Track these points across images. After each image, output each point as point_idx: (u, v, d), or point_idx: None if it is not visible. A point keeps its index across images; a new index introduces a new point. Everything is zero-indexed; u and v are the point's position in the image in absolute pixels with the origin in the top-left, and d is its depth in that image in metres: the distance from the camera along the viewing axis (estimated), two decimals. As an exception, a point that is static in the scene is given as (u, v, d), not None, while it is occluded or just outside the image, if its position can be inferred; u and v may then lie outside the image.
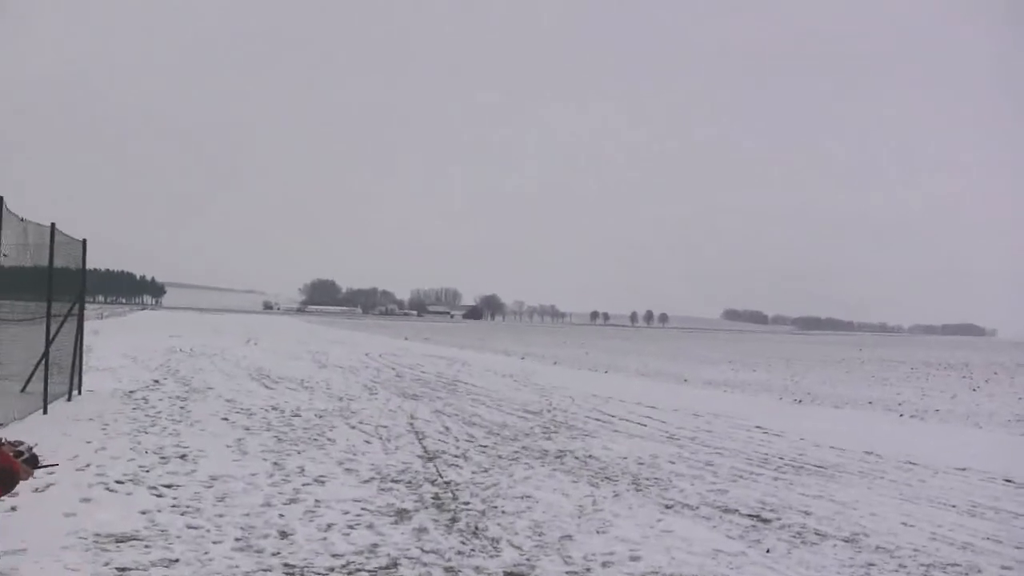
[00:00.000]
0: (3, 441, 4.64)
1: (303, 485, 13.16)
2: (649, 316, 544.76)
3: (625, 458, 16.97)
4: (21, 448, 4.55)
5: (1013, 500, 14.27)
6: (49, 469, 10.18)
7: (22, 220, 17.52)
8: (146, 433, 17.36)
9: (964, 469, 17.10)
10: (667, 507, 12.78)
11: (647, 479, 14.88)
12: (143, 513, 10.92)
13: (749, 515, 12.44)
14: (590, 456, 17.07)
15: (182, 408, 21.43)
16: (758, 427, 22.56)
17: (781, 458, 17.82)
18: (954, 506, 13.63)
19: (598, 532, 11.08)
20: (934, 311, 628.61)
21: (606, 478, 14.84)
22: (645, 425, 22.14)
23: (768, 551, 10.46)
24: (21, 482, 4.35)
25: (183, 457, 14.93)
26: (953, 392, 38.83)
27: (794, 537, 11.23)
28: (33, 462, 4.49)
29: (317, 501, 12.12)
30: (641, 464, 16.36)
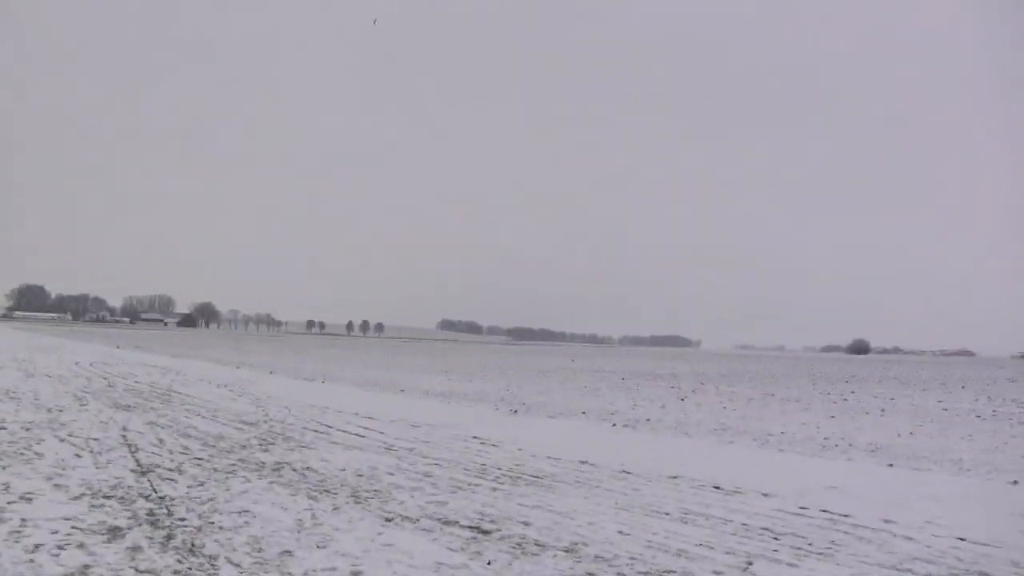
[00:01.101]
0: None
1: (8, 503, 12.63)
2: (365, 326, 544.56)
3: (344, 470, 16.88)
4: None
5: (722, 506, 14.74)
6: None
7: None
8: None
9: (676, 477, 17.59)
10: (388, 520, 12.75)
11: (367, 491, 14.83)
12: None
13: (469, 526, 12.51)
14: (308, 468, 16.92)
15: None
16: (475, 437, 22.74)
17: (499, 468, 17.99)
18: (667, 514, 13.99)
19: (319, 547, 10.96)
20: (643, 323, 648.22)
21: (325, 491, 14.73)
22: (363, 436, 22.09)
23: (489, 563, 10.53)
24: None
25: None
26: (663, 402, 39.94)
27: (515, 548, 11.33)
28: None
29: (23, 520, 11.65)
30: (360, 476, 16.31)
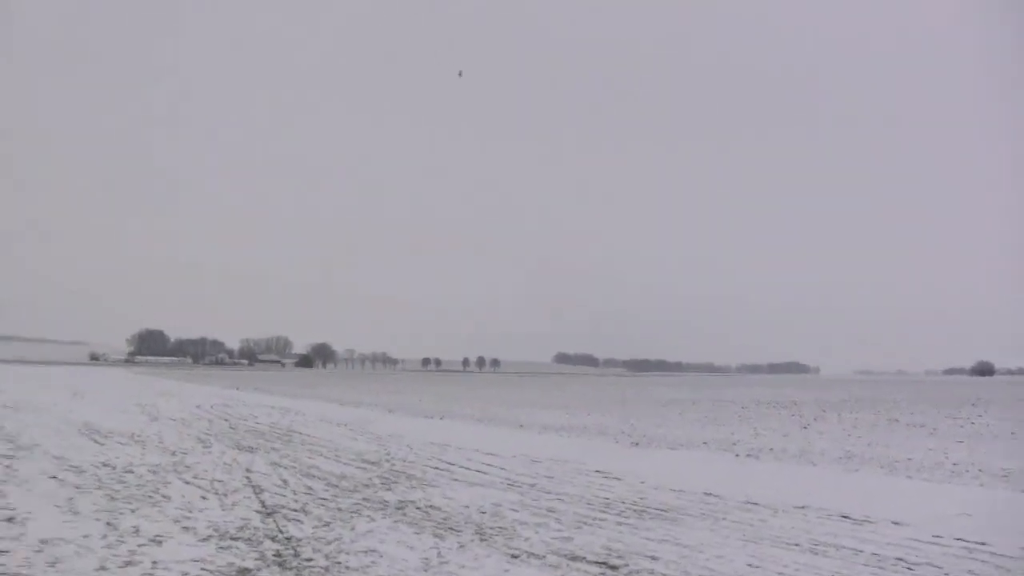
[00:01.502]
0: None
1: (139, 546, 12.78)
2: (481, 361, 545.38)
3: (467, 507, 16.83)
4: None
5: (851, 536, 14.45)
6: None
7: None
8: (-31, 496, 16.73)
9: (803, 507, 17.30)
10: (513, 556, 12.67)
11: (491, 528, 14.76)
12: (-30, 582, 10.48)
13: (596, 562, 12.39)
14: (432, 506, 16.89)
15: (7, 467, 20.74)
16: (598, 471, 22.56)
17: (623, 502, 17.83)
18: (797, 545, 13.74)
19: (446, 585, 10.90)
20: (759, 350, 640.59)
21: (450, 528, 14.69)
22: (485, 473, 22.02)
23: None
24: None
25: (10, 520, 14.42)
26: (785, 431, 39.37)
27: (643, 584, 11.18)
28: None
29: (154, 563, 11.78)
30: (484, 513, 16.24)
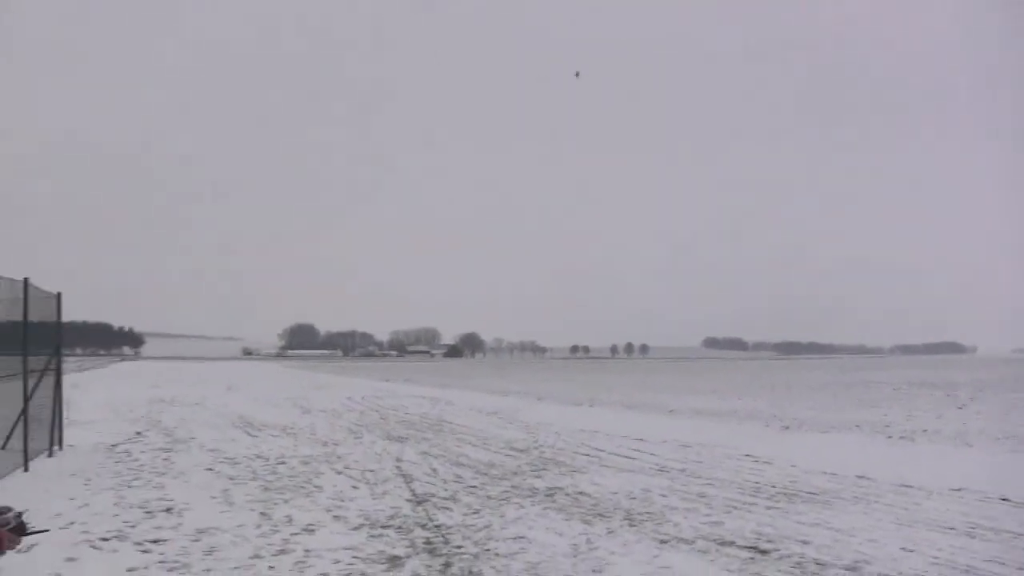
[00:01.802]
0: None
1: (292, 535, 12.97)
2: (629, 348, 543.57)
3: (616, 493, 16.79)
4: (8, 516, 4.35)
5: (1012, 519, 14.10)
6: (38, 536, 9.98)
7: (-7, 277, 17.36)
8: (130, 487, 17.16)
9: (959, 489, 16.92)
10: (663, 542, 12.59)
11: (640, 514, 14.70)
12: (130, 571, 10.76)
13: (746, 547, 12.27)
14: (581, 493, 16.88)
15: (165, 460, 21.21)
16: (748, 455, 22.38)
17: (773, 486, 17.65)
18: (953, 528, 13.45)
19: (595, 571, 10.89)
20: (913, 330, 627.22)
21: (599, 515, 14.66)
22: (634, 458, 21.95)
23: (768, 584, 10.28)
24: (7, 551, 4.19)
25: (168, 510, 14.74)
26: (939, 412, 38.57)
27: (794, 568, 11.05)
28: (20, 530, 4.33)
29: (307, 551, 11.94)
30: (633, 499, 16.18)
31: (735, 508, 15.24)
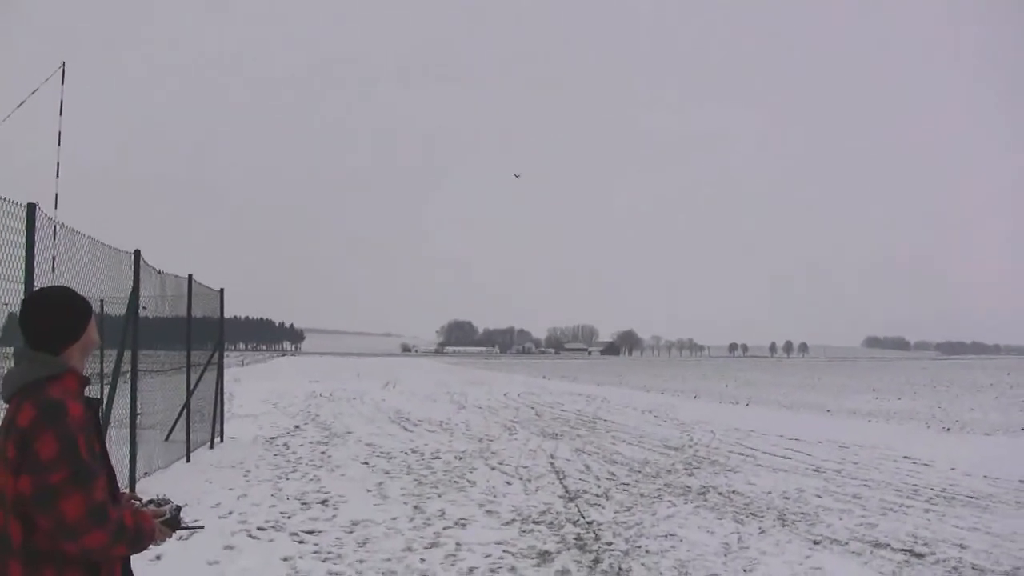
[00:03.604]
0: (153, 498, 4.57)
1: (444, 528, 13.10)
2: (789, 346, 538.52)
3: (770, 493, 16.64)
4: (165, 508, 4.45)
5: None
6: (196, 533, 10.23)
7: (159, 272, 17.82)
8: (287, 479, 17.47)
9: None
10: (815, 543, 12.45)
11: (794, 514, 14.55)
12: (285, 560, 10.95)
13: (901, 550, 12.07)
14: (734, 492, 16.76)
15: (323, 453, 21.53)
16: (906, 457, 22.00)
17: (931, 489, 17.33)
18: (1120, 538, 13.06)
19: (745, 571, 10.82)
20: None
21: (751, 514, 14.55)
22: (789, 458, 21.72)
23: (923, 586, 10.10)
24: (158, 543, 4.30)
25: (324, 503, 14.98)
26: (1111, 415, 37.53)
27: (950, 572, 10.85)
28: (174, 524, 4.42)
29: (458, 544, 12.04)
30: (787, 499, 16.02)
31: (891, 510, 14.99)
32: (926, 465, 20.69)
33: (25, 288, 10.10)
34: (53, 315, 4.02)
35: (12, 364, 4.04)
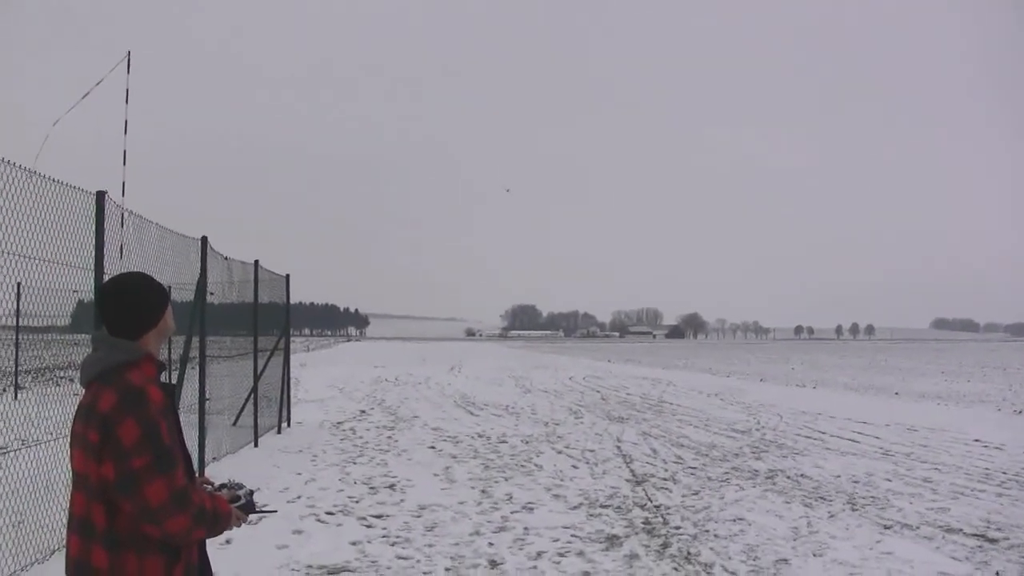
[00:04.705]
0: (226, 482, 4.61)
1: (511, 512, 13.12)
2: (855, 328, 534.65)
3: (839, 476, 16.52)
4: (239, 493, 4.49)
5: None
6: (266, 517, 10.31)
7: (226, 259, 17.94)
8: (354, 463, 17.55)
9: None
10: (886, 527, 12.35)
11: (863, 498, 14.44)
12: (353, 544, 11.00)
13: (974, 535, 11.94)
14: (802, 475, 16.65)
15: (389, 438, 21.60)
16: (977, 440, 21.76)
17: (1004, 473, 17.13)
18: None
19: (815, 555, 10.75)
20: None
21: (820, 498, 14.45)
22: (857, 442, 21.54)
23: (998, 574, 9.98)
24: (234, 527, 4.34)
25: (391, 487, 15.04)
26: None
27: (1024, 558, 10.72)
28: (249, 508, 4.46)
29: (526, 528, 12.06)
30: (856, 482, 15.90)
31: (962, 494, 14.84)
32: (998, 448, 20.46)
33: (95, 276, 10.20)
34: (132, 301, 4.06)
35: (90, 350, 4.08)
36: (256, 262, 20.57)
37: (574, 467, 17.46)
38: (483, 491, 14.78)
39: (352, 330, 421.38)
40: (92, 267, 10.26)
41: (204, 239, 15.78)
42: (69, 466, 3.98)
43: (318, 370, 54.78)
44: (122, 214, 11.52)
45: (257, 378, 20.65)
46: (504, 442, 21.08)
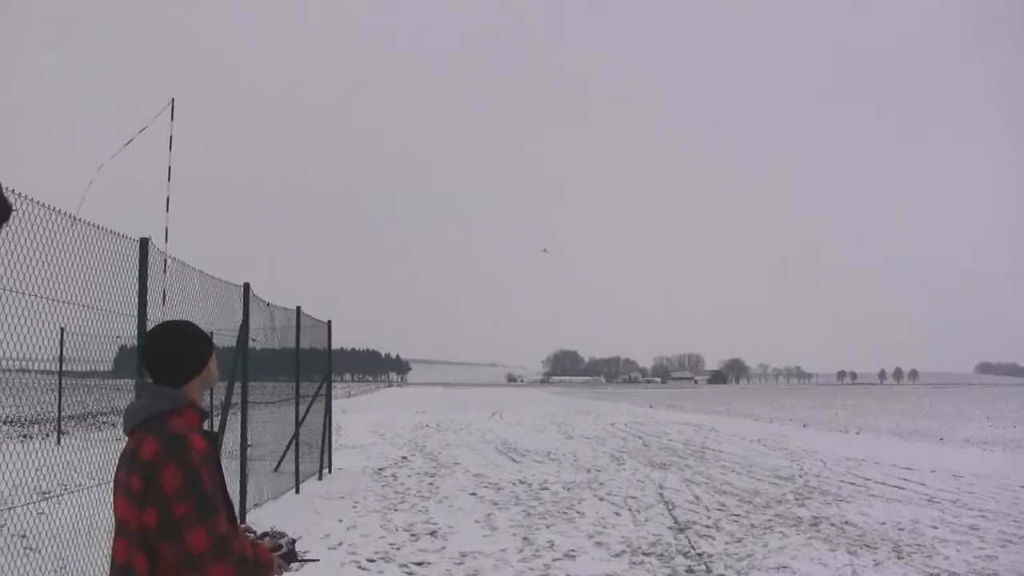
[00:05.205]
0: (268, 531, 4.62)
1: (553, 560, 13.04)
2: (898, 373, 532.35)
3: (884, 524, 16.36)
4: (282, 541, 4.50)
5: None
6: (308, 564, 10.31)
7: (268, 305, 18.02)
8: (395, 510, 17.51)
9: None
10: (932, 575, 12.21)
11: (909, 546, 14.29)
12: (395, 592, 10.95)
13: (1023, 582, 11.81)
14: (846, 522, 16.50)
15: (430, 484, 21.56)
16: (1023, 487, 21.54)
17: (1053, 520, 16.95)
18: None
19: (861, 603, 10.64)
20: None
21: (865, 545, 14.31)
22: (902, 488, 21.36)
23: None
24: None
25: (433, 534, 14.99)
26: None
27: (1074, 606, 10.59)
28: (291, 557, 4.47)
29: (568, 576, 11.98)
30: (901, 530, 15.74)
31: (1011, 542, 14.67)
32: (1046, 495, 20.27)
33: (138, 322, 10.25)
34: (177, 349, 4.08)
35: (134, 396, 4.09)
36: (298, 308, 20.65)
37: (616, 514, 17.35)
38: (525, 538, 14.70)
39: (393, 376, 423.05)
40: (135, 313, 10.31)
41: (247, 286, 15.86)
42: (111, 512, 3.99)
43: (359, 416, 54.92)
44: (164, 261, 11.59)
45: (299, 424, 20.68)
46: (546, 488, 21.00)
